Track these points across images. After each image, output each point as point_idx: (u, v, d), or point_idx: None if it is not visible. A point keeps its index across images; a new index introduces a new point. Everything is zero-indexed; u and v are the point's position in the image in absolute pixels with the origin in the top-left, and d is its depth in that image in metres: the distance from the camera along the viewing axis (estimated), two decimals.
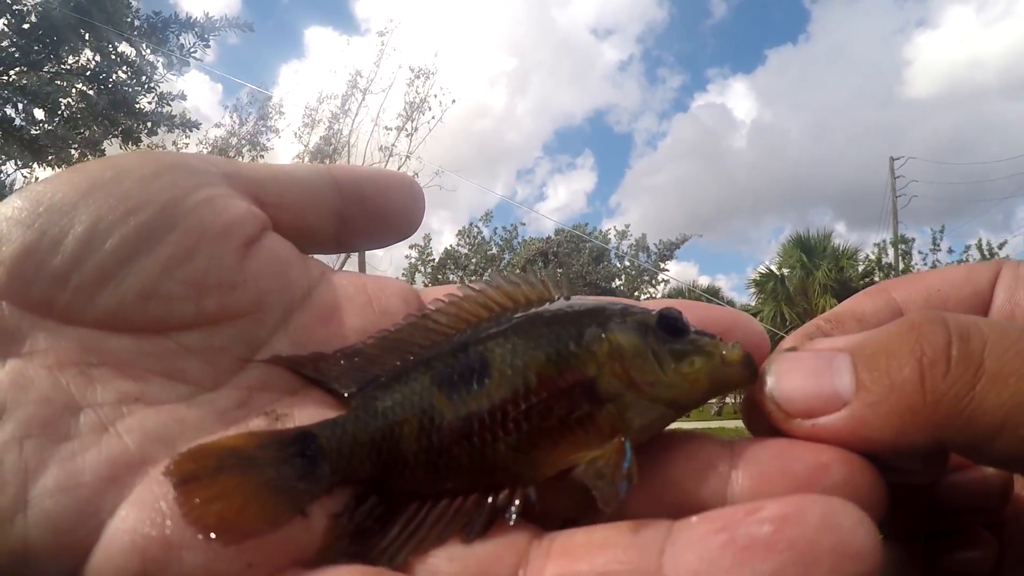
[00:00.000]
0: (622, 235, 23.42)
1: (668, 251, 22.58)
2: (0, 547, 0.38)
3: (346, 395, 0.49)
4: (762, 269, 28.13)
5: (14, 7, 9.77)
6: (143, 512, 0.39)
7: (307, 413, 0.48)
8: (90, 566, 0.38)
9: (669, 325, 0.47)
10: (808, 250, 26.15)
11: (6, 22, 9.82)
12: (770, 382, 0.44)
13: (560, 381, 0.45)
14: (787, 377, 0.43)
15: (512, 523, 0.43)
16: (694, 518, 0.38)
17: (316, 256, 0.58)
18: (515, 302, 0.51)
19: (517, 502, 0.43)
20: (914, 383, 0.39)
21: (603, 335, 0.46)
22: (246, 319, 0.48)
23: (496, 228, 23.69)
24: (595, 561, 0.39)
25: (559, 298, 0.51)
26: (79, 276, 0.44)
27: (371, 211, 0.59)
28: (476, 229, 23.30)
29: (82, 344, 0.44)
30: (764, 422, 0.44)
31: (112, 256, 0.45)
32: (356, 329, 0.51)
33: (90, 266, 0.44)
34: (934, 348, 0.39)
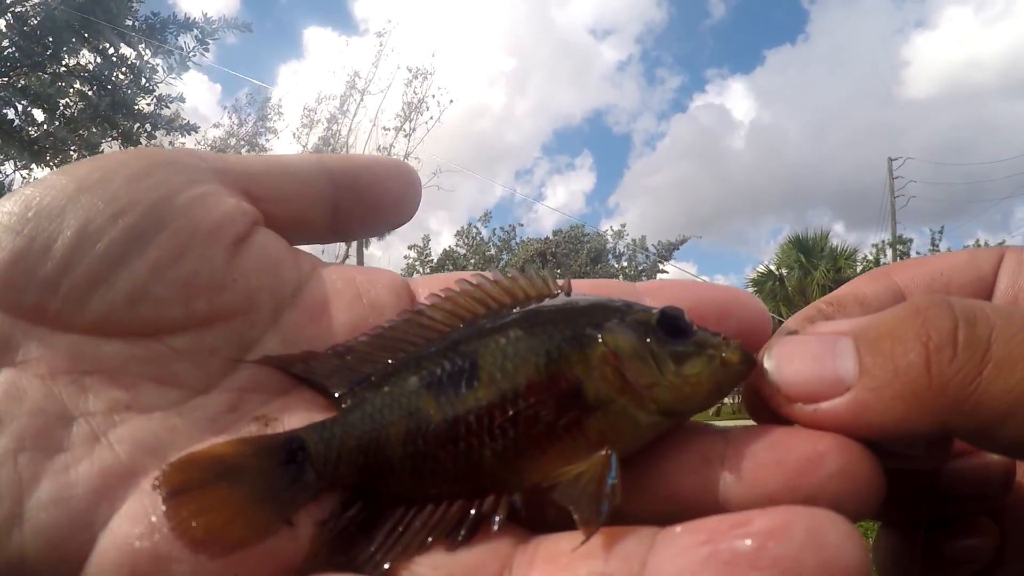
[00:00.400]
0: (619, 235, 23.48)
1: (667, 252, 22.63)
2: None
3: (337, 395, 0.48)
4: (761, 269, 28.17)
5: (15, 8, 9.77)
6: (134, 525, 0.40)
7: (297, 416, 0.47)
8: None
9: (671, 325, 0.45)
10: (806, 250, 26.18)
11: (7, 23, 9.82)
12: (771, 366, 0.43)
13: (550, 386, 0.44)
14: (788, 361, 0.43)
15: (496, 529, 0.42)
16: (678, 528, 0.38)
17: (313, 250, 0.58)
18: (513, 297, 0.50)
19: (502, 510, 0.43)
20: (919, 368, 0.38)
21: (599, 337, 0.45)
22: (236, 319, 0.48)
23: (495, 229, 23.75)
24: (577, 571, 0.38)
25: (558, 294, 0.50)
26: (70, 281, 0.44)
27: (366, 200, 0.58)
28: (475, 230, 23.37)
29: (74, 351, 0.44)
30: (766, 408, 0.44)
31: (102, 260, 0.44)
32: (346, 324, 0.50)
33: (80, 271, 0.44)
34: (940, 333, 0.38)
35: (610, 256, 23.22)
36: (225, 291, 0.47)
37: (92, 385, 0.43)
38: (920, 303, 0.41)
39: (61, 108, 10.56)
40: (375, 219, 0.60)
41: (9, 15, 9.78)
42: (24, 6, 9.92)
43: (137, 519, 0.40)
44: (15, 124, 10.26)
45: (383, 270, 0.56)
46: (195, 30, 11.29)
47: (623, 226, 23.71)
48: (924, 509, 0.54)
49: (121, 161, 0.48)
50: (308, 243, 0.58)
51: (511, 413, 0.44)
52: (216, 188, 0.50)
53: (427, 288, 0.52)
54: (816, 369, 0.41)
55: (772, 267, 27.73)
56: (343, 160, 0.59)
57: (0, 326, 0.43)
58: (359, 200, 0.58)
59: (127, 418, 0.43)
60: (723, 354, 0.44)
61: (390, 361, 0.49)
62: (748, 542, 0.34)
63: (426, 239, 22.86)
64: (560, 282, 0.51)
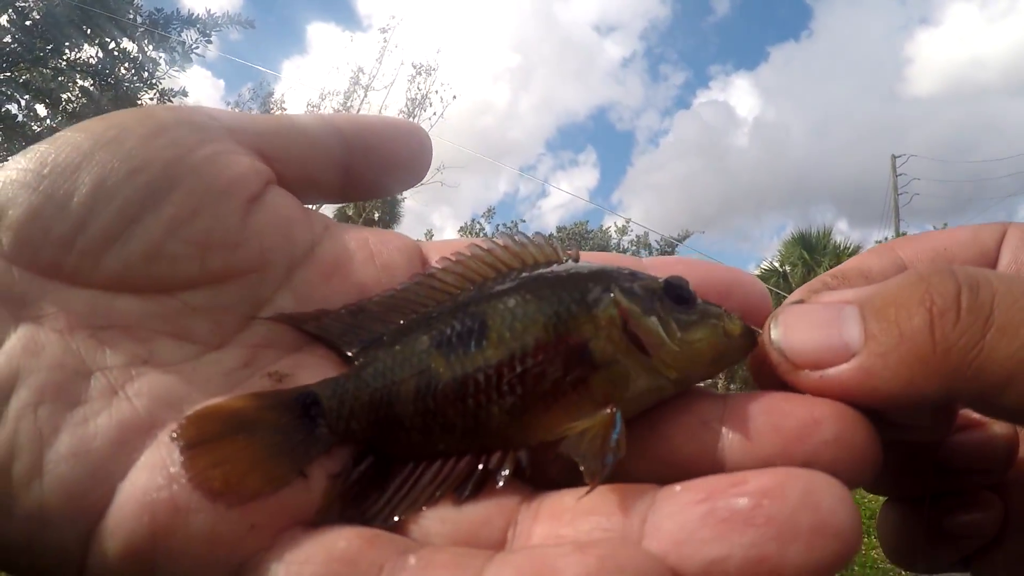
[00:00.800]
0: (622, 231, 23.49)
1: (669, 247, 22.62)
2: (18, 512, 0.39)
3: (349, 353, 0.49)
4: (765, 265, 28.09)
5: (16, 3, 9.77)
6: (152, 476, 0.40)
7: (309, 373, 0.48)
8: (102, 529, 0.39)
9: (676, 293, 0.46)
10: (810, 247, 26.10)
11: (8, 19, 9.82)
12: (776, 334, 0.44)
13: (557, 345, 0.45)
14: (794, 329, 0.43)
15: (502, 485, 0.43)
16: (678, 486, 0.39)
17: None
18: (522, 262, 0.51)
19: (508, 465, 0.44)
20: (924, 332, 0.39)
21: (607, 298, 0.46)
22: (250, 277, 0.48)
23: (498, 225, 23.78)
24: (580, 527, 0.39)
25: (566, 260, 0.51)
26: (85, 238, 0.44)
27: (376, 162, 0.59)
28: (478, 225, 23.40)
29: (91, 306, 0.44)
30: (773, 376, 0.44)
31: (117, 217, 0.45)
32: (358, 284, 0.51)
33: (95, 228, 0.44)
34: (944, 298, 0.39)
35: (614, 253, 23.25)
36: (239, 249, 0.48)
37: (109, 340, 0.44)
38: (924, 271, 0.41)
39: (64, 103, 10.58)
40: (386, 180, 0.60)
41: (11, 10, 9.78)
42: (26, 1, 9.92)
43: (155, 470, 0.40)
44: (18, 119, 10.27)
45: (396, 233, 0.56)
46: (198, 25, 11.29)
47: (628, 221, 23.80)
48: (928, 483, 0.54)
49: (136, 119, 0.48)
50: (319, 203, 0.58)
51: (519, 371, 0.45)
52: (230, 147, 0.50)
53: (438, 252, 0.53)
54: (822, 336, 0.42)
55: (776, 264, 27.68)
56: (354, 120, 0.59)
57: (17, 282, 0.43)
58: (370, 161, 0.58)
59: (144, 372, 0.44)
60: (726, 325, 0.45)
61: (401, 321, 0.50)
62: (744, 500, 0.35)
63: (429, 235, 22.93)
64: (569, 251, 0.52)
